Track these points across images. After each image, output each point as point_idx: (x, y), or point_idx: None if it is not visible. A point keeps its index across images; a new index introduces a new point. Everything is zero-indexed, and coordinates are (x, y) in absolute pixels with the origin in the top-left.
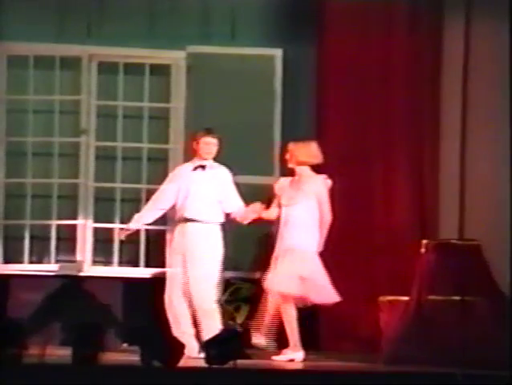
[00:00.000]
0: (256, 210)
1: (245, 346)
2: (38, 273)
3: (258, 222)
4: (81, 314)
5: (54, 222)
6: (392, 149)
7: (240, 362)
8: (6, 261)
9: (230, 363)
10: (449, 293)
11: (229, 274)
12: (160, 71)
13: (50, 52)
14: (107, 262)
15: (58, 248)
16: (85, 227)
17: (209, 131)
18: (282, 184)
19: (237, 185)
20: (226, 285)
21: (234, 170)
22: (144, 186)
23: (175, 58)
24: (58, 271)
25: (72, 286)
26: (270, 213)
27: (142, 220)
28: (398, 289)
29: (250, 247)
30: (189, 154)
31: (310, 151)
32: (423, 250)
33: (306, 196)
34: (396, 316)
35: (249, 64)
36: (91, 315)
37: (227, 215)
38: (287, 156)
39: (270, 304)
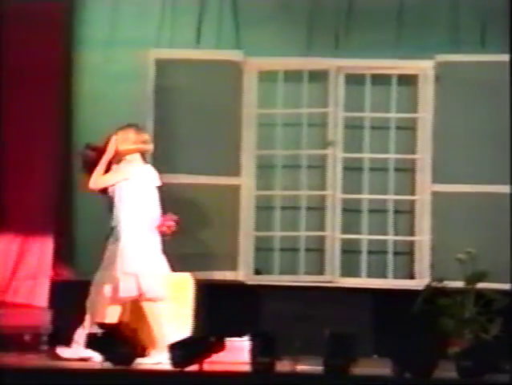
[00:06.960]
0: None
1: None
2: (288, 283)
3: None
4: (331, 324)
5: (303, 233)
6: None
7: None
8: (257, 272)
9: (485, 377)
10: None
11: (482, 285)
12: (407, 81)
13: (299, 66)
14: (355, 273)
15: (306, 259)
16: (333, 238)
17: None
18: None
19: (471, 195)
20: (478, 296)
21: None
22: (391, 197)
23: (423, 67)
24: (306, 282)
25: (321, 297)
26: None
27: None
28: None
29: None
30: (437, 164)
31: (129, 138)
32: None
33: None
34: None
35: (499, 72)
36: (341, 325)
37: None
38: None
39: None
